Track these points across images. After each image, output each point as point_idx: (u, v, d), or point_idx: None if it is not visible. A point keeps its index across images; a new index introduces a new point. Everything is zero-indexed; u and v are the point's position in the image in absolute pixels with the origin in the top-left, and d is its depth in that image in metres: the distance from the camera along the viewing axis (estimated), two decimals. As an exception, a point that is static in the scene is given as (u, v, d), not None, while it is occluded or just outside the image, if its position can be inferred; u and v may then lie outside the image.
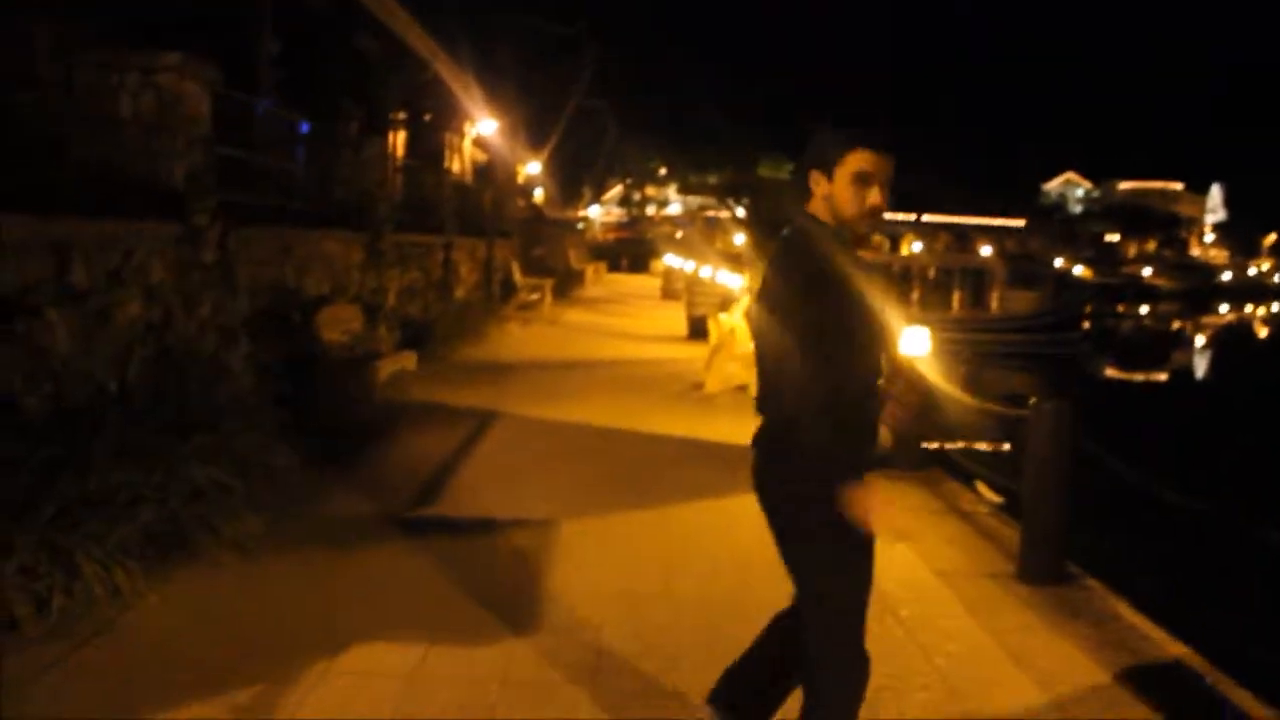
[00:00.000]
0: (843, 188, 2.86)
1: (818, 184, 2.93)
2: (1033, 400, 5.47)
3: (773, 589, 3.62)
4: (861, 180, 2.84)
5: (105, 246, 6.59)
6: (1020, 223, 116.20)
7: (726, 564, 5.70)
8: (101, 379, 6.46)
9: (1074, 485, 5.46)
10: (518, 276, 23.16)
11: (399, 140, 24.10)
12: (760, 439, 3.20)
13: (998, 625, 4.93)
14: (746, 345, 13.47)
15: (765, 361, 3.05)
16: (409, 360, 10.54)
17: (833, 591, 2.99)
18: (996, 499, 7.23)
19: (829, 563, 2.97)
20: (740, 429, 9.98)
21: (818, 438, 2.79)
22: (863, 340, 2.89)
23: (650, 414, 9.99)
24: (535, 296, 22.27)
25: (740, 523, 6.46)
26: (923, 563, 5.77)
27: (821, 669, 3.01)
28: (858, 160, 2.83)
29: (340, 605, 4.98)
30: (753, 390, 10.86)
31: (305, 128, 16.36)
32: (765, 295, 2.98)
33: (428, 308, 15.95)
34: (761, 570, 5.43)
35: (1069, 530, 5.49)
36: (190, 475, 5.59)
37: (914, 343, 7.91)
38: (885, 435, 8.29)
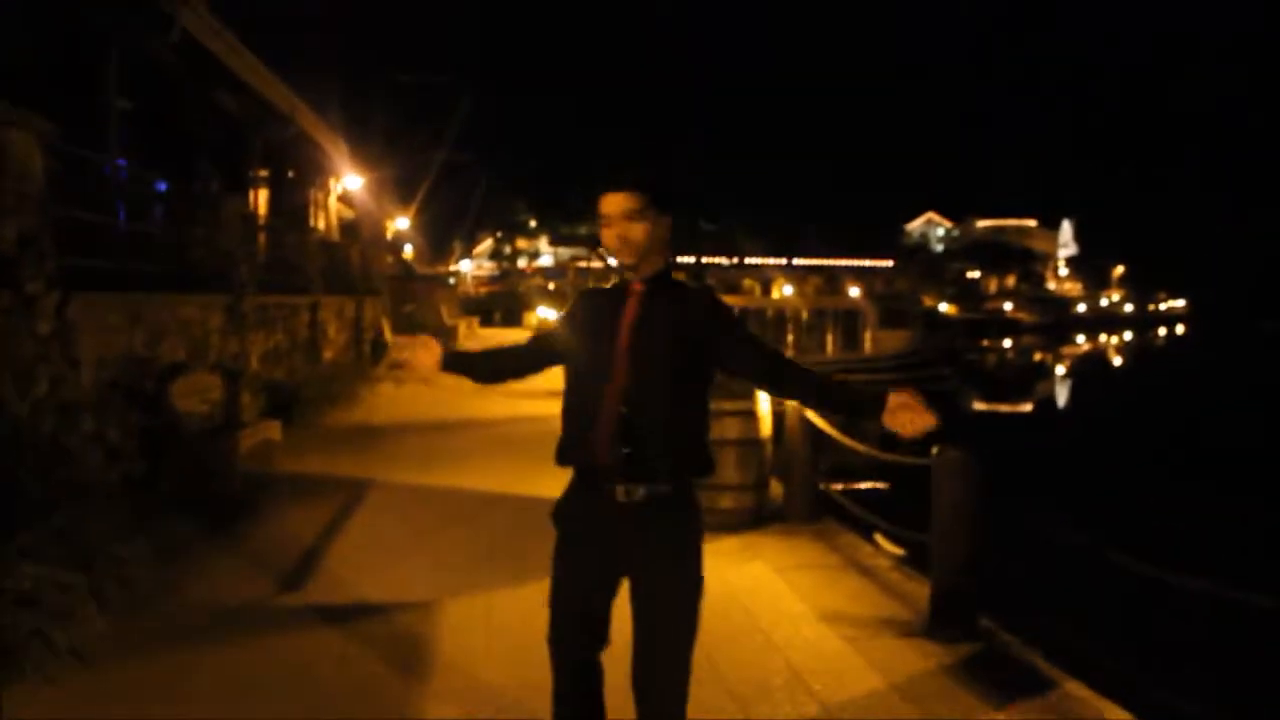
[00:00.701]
0: (601, 230, 3.13)
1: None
2: (935, 449, 5.24)
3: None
4: (604, 222, 3.12)
5: (-80, 322, 5.96)
6: (888, 263, 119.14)
7: (621, 644, 5.30)
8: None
9: (982, 534, 5.23)
10: (388, 335, 22.51)
11: (261, 198, 23.36)
12: (655, 471, 3.19)
13: (916, 691, 4.64)
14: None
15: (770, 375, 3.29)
16: (273, 429, 9.95)
17: (695, 620, 3.35)
18: (897, 550, 7.01)
19: (698, 593, 3.39)
20: None
21: None
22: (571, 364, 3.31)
23: (532, 475, 9.51)
24: (408, 355, 21.59)
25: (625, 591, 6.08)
26: (828, 628, 5.46)
27: (682, 691, 3.39)
28: (601, 205, 3.12)
29: (203, 713, 4.45)
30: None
31: (162, 187, 15.67)
32: (713, 324, 3.21)
33: (294, 371, 15.29)
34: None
35: (977, 583, 5.26)
36: (14, 578, 4.98)
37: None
38: (775, 487, 8.05)
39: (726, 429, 7.53)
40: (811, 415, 7.72)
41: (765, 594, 6.07)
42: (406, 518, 8.05)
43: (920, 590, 6.00)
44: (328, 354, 18.48)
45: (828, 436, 7.64)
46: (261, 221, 20.51)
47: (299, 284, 17.44)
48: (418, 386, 18.98)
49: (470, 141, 40.63)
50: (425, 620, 5.61)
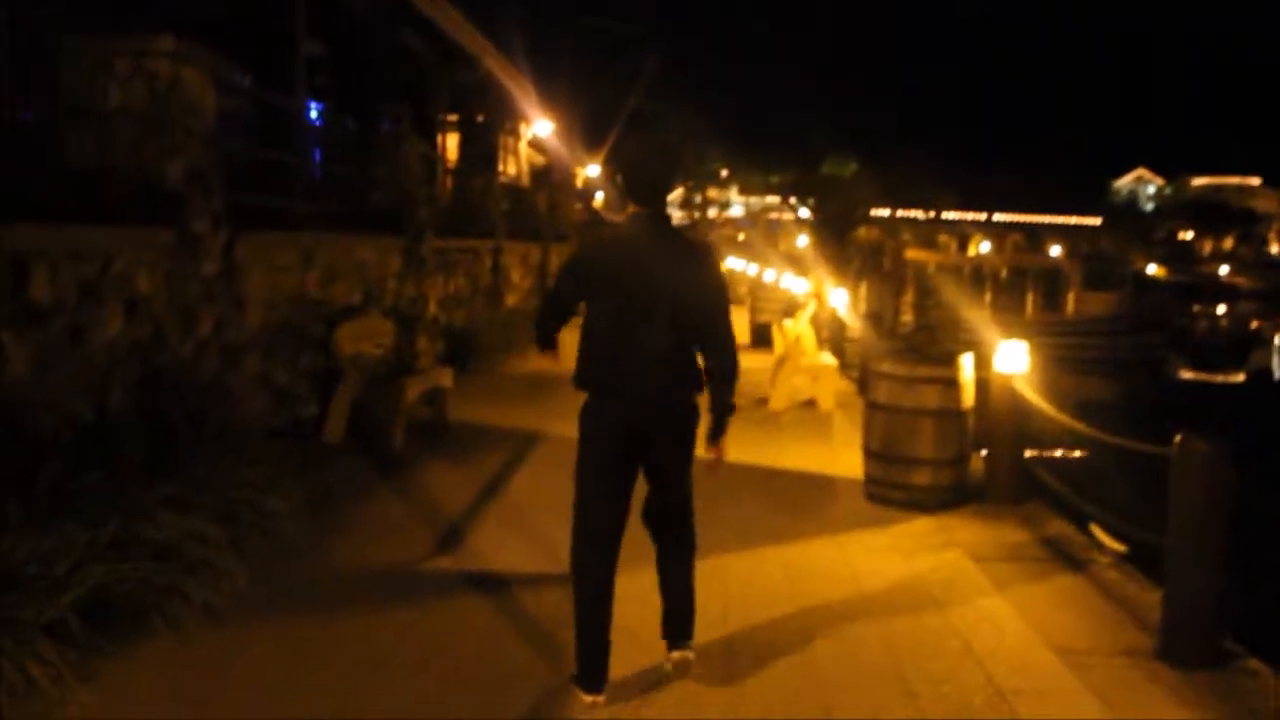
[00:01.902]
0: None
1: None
2: (1178, 437, 4.39)
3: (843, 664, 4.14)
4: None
5: (77, 257, 5.74)
6: (1095, 221, 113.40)
7: (792, 633, 4.68)
8: (72, 408, 5.60)
9: (1232, 542, 4.37)
10: (573, 282, 22.30)
11: (449, 142, 23.36)
12: (667, 374, 3.95)
13: (1145, 730, 3.88)
14: (813, 354, 12.42)
15: (713, 324, 4.02)
16: (445, 376, 9.63)
17: (690, 471, 4.24)
18: (1118, 547, 6.12)
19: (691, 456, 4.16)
20: (809, 453, 8.98)
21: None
22: None
23: None
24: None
25: (807, 578, 5.44)
26: (1037, 636, 4.70)
27: (689, 522, 4.44)
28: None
29: (332, 690, 4.05)
30: (822, 404, 9.82)
31: (350, 131, 15.65)
32: (709, 277, 4.07)
33: (474, 316, 15.10)
34: (828, 643, 4.44)
35: (1224, 600, 4.40)
36: (154, 528, 4.69)
37: (1010, 358, 6.86)
38: (976, 462, 7.26)
39: (924, 397, 6.76)
40: (1020, 384, 6.88)
41: (962, 589, 5.34)
42: (570, 478, 7.58)
43: (1147, 598, 5.16)
44: (510, 300, 18.31)
45: (1036, 408, 6.79)
46: (448, 165, 20.51)
47: (482, 228, 17.25)
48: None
49: (662, 90, 39.97)
50: (579, 597, 5.11)
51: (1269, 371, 36.97)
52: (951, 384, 6.82)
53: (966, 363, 6.93)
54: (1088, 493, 6.67)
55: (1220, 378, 33.06)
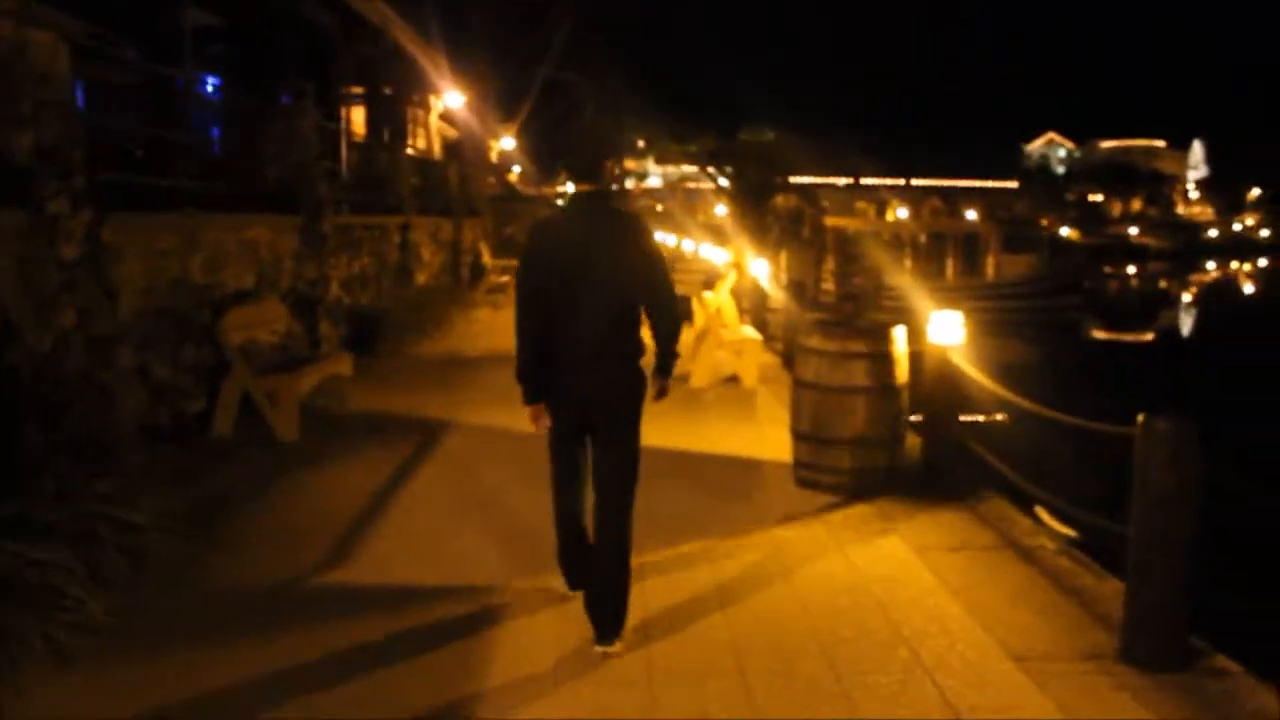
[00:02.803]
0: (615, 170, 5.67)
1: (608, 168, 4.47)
2: (1141, 417, 3.97)
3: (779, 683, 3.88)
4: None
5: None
6: (1012, 184, 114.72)
7: (721, 646, 4.19)
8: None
9: (1200, 532, 3.96)
10: (487, 258, 21.60)
11: (356, 117, 22.49)
12: (614, 343, 4.25)
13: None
14: (735, 327, 11.96)
15: (654, 287, 4.30)
16: (343, 363, 8.99)
17: (637, 445, 4.47)
18: (1066, 531, 5.72)
19: (638, 427, 4.44)
20: (734, 434, 8.44)
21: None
22: None
23: None
24: (506, 279, 20.67)
25: (736, 581, 4.96)
26: (992, 641, 4.26)
27: (627, 500, 4.47)
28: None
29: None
30: (745, 380, 9.34)
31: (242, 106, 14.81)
32: (647, 247, 4.33)
33: (381, 296, 14.39)
34: (762, 658, 3.95)
35: (1192, 596, 4.00)
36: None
37: (945, 329, 6.43)
38: (911, 441, 6.84)
39: (854, 374, 6.31)
40: (956, 356, 6.45)
41: (906, 587, 4.89)
42: (479, 472, 7.03)
43: (1104, 589, 4.77)
44: (420, 278, 17.59)
45: (975, 383, 6.37)
46: (353, 139, 19.68)
47: (390, 204, 16.51)
48: (515, 313, 18.02)
49: (576, 59, 39.19)
50: (484, 612, 4.57)
51: (1176, 330, 37.59)
52: (883, 358, 6.38)
53: (899, 335, 6.49)
54: (1027, 469, 6.30)
55: (1130, 337, 33.52)
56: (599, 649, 4.18)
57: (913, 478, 6.60)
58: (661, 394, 4.59)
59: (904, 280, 30.24)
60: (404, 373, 11.19)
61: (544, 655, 4.15)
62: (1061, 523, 5.90)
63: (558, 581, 4.77)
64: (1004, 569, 5.15)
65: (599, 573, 4.31)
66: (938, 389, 6.54)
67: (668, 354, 4.48)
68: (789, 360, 11.54)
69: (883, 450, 6.40)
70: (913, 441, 6.91)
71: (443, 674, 4.00)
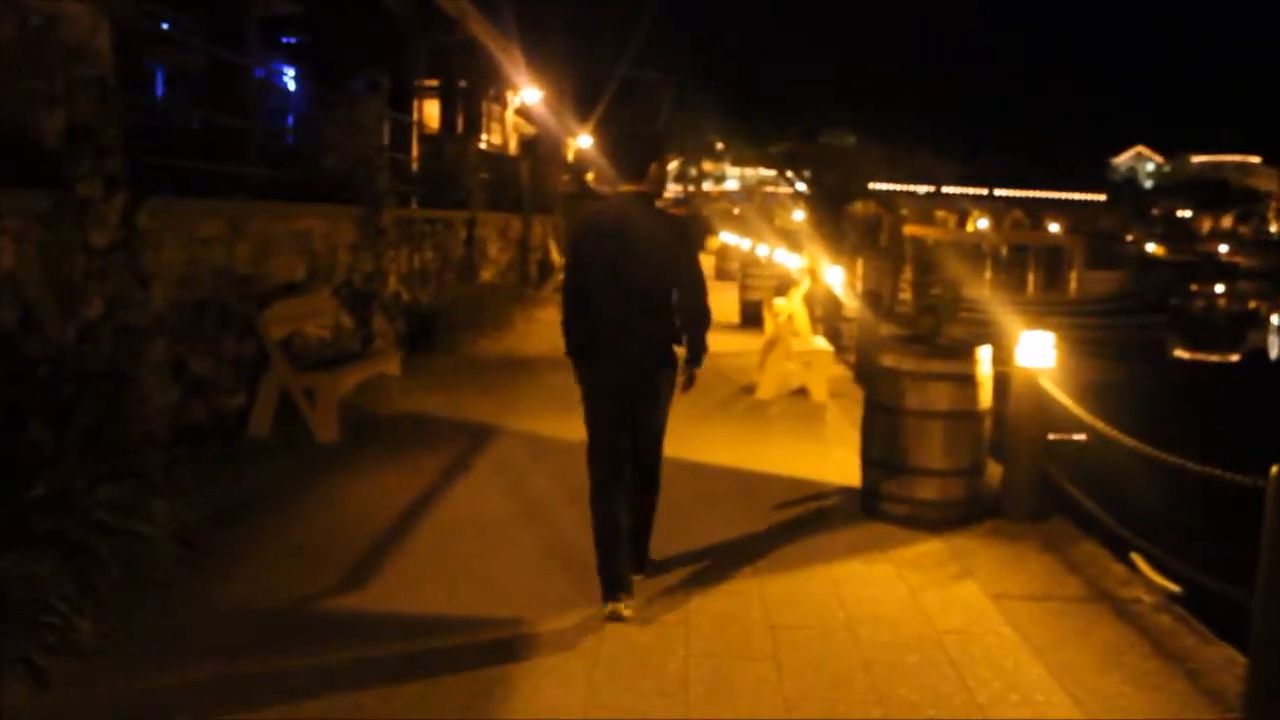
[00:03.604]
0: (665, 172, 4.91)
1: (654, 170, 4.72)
2: (1275, 469, 3.38)
3: None
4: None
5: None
6: (1097, 197, 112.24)
7: (774, 709, 3.68)
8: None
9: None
10: (556, 256, 21.20)
11: (427, 109, 22.27)
12: (650, 339, 4.61)
13: None
14: (806, 336, 11.41)
15: (685, 275, 4.62)
16: (391, 362, 8.59)
17: (665, 421, 4.83)
18: (1170, 587, 5.10)
19: (667, 402, 4.77)
20: (799, 453, 7.73)
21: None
22: None
23: (687, 430, 7.75)
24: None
25: (792, 625, 4.43)
26: (1079, 712, 3.69)
27: (657, 453, 4.84)
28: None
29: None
30: (815, 394, 8.78)
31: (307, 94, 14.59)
32: (683, 242, 4.74)
33: (443, 292, 14.04)
34: None
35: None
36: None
37: (1035, 351, 5.85)
38: (993, 471, 6.26)
39: (933, 397, 5.74)
40: (1046, 381, 5.87)
41: (982, 643, 4.33)
42: (525, 485, 6.57)
43: (1210, 655, 4.19)
44: (486, 274, 17.25)
45: (1069, 413, 5.77)
46: (423, 131, 19.42)
47: (457, 198, 16.18)
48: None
49: (656, 58, 38.81)
50: (508, 650, 4.11)
51: (1264, 351, 36.23)
52: (966, 380, 5.80)
53: (984, 356, 5.91)
54: (1113, 503, 5.71)
55: (1216, 357, 32.28)
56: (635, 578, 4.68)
57: (991, 512, 6.02)
58: (690, 383, 4.82)
59: (984, 293, 29.35)
60: (458, 372, 10.80)
61: (572, 704, 3.68)
62: (1160, 573, 5.27)
63: (594, 614, 4.33)
64: (1094, 625, 4.56)
65: (633, 511, 4.71)
66: (1025, 416, 5.95)
67: (696, 343, 4.73)
68: (862, 374, 10.97)
69: (961, 481, 5.82)
70: (993, 470, 6.32)
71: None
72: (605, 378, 4.66)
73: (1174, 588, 4.95)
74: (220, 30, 12.36)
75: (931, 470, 5.75)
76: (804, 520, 6.02)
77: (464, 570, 5.04)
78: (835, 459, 7.40)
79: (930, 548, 5.54)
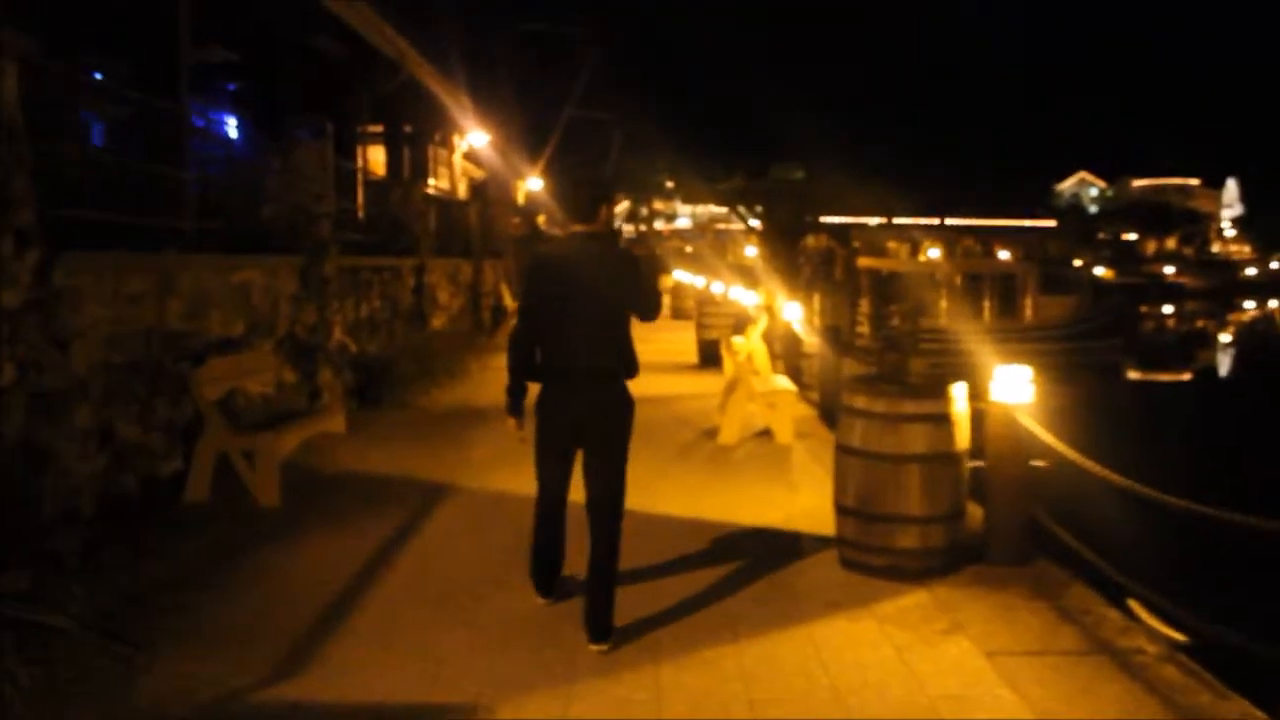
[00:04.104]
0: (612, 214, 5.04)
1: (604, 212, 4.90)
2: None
3: None
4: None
5: None
6: (1050, 224, 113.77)
7: None
8: None
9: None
10: (509, 300, 20.82)
11: (371, 155, 21.90)
12: (601, 373, 4.74)
13: None
14: (767, 375, 11.13)
15: (637, 295, 4.86)
16: (335, 420, 8.17)
17: (624, 462, 4.85)
18: (1174, 635, 4.78)
19: (626, 450, 4.85)
20: (768, 500, 7.18)
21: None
22: None
23: (649, 479, 7.37)
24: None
25: (772, 699, 4.05)
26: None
27: (618, 511, 4.79)
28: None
29: None
30: (779, 436, 8.44)
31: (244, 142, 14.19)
32: (634, 273, 4.86)
33: (392, 342, 13.63)
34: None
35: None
36: None
37: (1011, 386, 5.56)
38: (976, 514, 5.94)
39: (908, 440, 5.41)
40: (1025, 417, 5.57)
41: (980, 708, 3.97)
42: (478, 547, 6.16)
43: (1231, 711, 3.86)
44: (437, 322, 16.85)
45: (1050, 449, 5.47)
46: (369, 178, 19.04)
47: (404, 245, 15.80)
48: (535, 358, 17.17)
49: (604, 98, 38.73)
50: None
51: (1214, 370, 36.57)
52: (942, 420, 5.48)
53: (959, 394, 5.60)
54: (1093, 538, 5.43)
55: (1168, 377, 32.47)
56: (593, 649, 4.58)
57: (974, 557, 5.70)
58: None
59: (941, 322, 29.31)
60: (408, 425, 10.36)
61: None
62: (1159, 618, 4.94)
63: (558, 695, 3.94)
64: (1097, 682, 4.22)
65: (594, 575, 4.71)
66: (1004, 455, 5.65)
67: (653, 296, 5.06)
68: (826, 413, 10.67)
69: (941, 528, 5.49)
70: (973, 511, 6.00)
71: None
72: (558, 414, 4.78)
73: (1178, 636, 4.63)
74: (151, 78, 11.95)
75: (910, 517, 5.41)
76: (778, 576, 5.65)
77: (413, 647, 4.62)
78: (806, 505, 7.05)
79: (914, 600, 5.19)
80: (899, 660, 4.45)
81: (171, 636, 4.73)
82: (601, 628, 4.62)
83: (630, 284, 4.79)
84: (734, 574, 5.65)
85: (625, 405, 4.79)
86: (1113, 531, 5.95)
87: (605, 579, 4.68)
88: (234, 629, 4.88)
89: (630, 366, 4.81)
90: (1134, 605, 4.98)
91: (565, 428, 4.79)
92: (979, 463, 5.78)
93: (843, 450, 5.71)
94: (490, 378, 14.15)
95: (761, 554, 6.05)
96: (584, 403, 4.73)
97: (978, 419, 5.81)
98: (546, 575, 5.11)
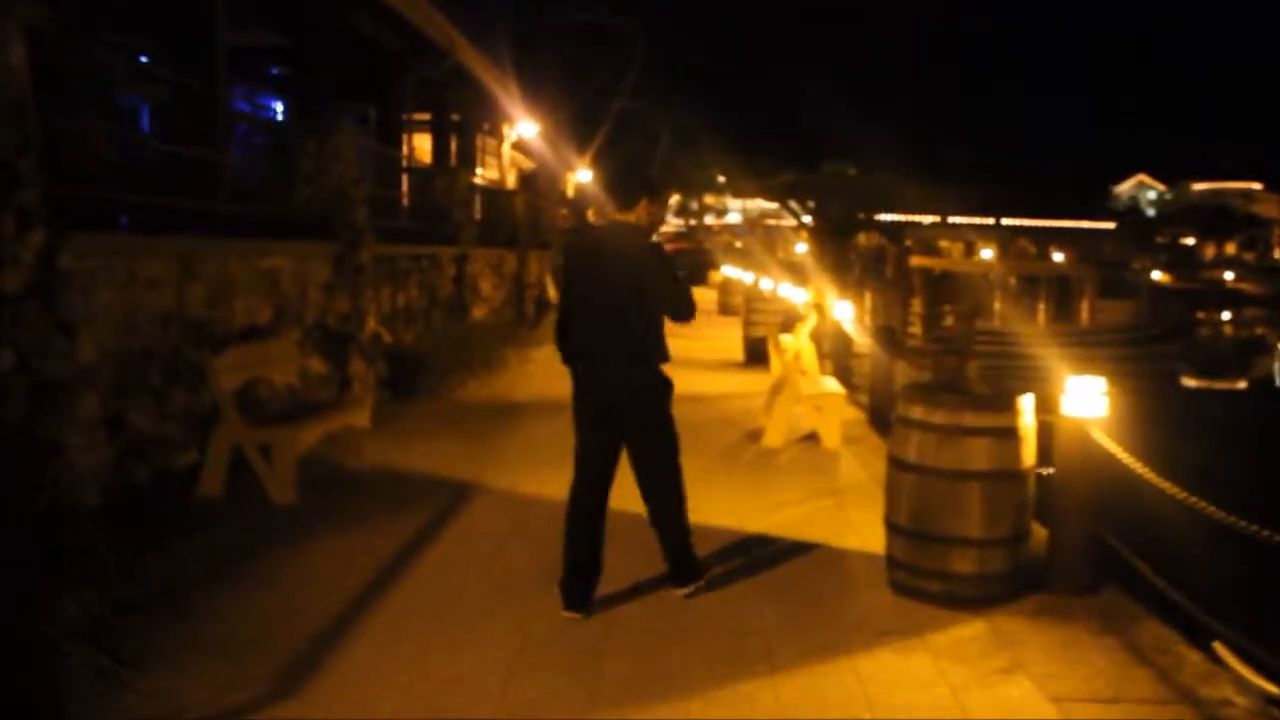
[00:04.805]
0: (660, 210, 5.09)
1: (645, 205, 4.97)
2: None
3: None
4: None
5: None
6: (1108, 225, 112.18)
7: None
8: None
9: None
10: (552, 292, 20.45)
11: (417, 142, 21.68)
12: (624, 357, 4.82)
13: None
14: (815, 376, 10.68)
15: (663, 293, 4.85)
16: (360, 414, 7.75)
17: (674, 436, 5.05)
18: (1268, 688, 4.28)
19: (670, 422, 5.01)
20: (813, 511, 6.71)
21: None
22: None
23: (689, 484, 6.97)
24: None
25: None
26: None
27: (678, 480, 5.11)
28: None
29: None
30: (827, 440, 7.98)
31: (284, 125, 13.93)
32: (657, 265, 4.87)
33: (430, 332, 13.30)
34: None
35: None
36: None
37: (1084, 399, 5.08)
38: (1039, 534, 5.47)
39: (970, 455, 4.94)
40: (1099, 434, 5.09)
41: (1049, 765, 3.53)
42: (499, 556, 5.77)
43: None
44: (478, 313, 16.52)
45: (1130, 471, 4.99)
46: (411, 164, 18.78)
47: (446, 233, 15.48)
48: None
49: (655, 91, 38.32)
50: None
51: (1270, 378, 35.60)
52: (1008, 435, 5.01)
53: (1027, 406, 5.12)
54: (1175, 569, 4.94)
55: (1224, 385, 31.65)
56: (679, 592, 5.05)
57: (1035, 584, 5.23)
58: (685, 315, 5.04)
59: (996, 325, 28.62)
60: (440, 419, 10.00)
61: None
62: (1251, 668, 4.43)
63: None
64: (1181, 738, 3.76)
65: (667, 544, 5.08)
66: (1073, 473, 5.17)
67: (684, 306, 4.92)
68: (876, 416, 10.17)
69: (1003, 552, 5.02)
70: (1037, 533, 5.52)
71: None
72: (587, 394, 4.93)
73: (1272, 689, 4.13)
74: (188, 60, 11.69)
75: (969, 540, 4.95)
76: (822, 598, 5.21)
77: (422, 668, 4.24)
78: (854, 520, 6.60)
79: (971, 632, 4.74)
80: (954, 702, 4.01)
81: (165, 646, 4.39)
82: (689, 576, 5.07)
83: (653, 276, 4.81)
84: (774, 594, 5.22)
85: (653, 388, 4.88)
86: (1190, 559, 5.46)
87: (683, 547, 5.09)
88: (233, 639, 4.53)
89: (654, 354, 4.88)
90: (1219, 648, 4.48)
91: (593, 413, 4.92)
92: (1047, 469, 5.32)
93: (896, 464, 5.24)
94: (531, 370, 13.80)
95: (805, 573, 5.61)
96: (607, 387, 4.86)
97: (1044, 432, 5.34)
98: (577, 585, 4.88)
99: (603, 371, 4.85)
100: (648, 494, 5.05)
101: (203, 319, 7.46)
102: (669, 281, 4.86)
